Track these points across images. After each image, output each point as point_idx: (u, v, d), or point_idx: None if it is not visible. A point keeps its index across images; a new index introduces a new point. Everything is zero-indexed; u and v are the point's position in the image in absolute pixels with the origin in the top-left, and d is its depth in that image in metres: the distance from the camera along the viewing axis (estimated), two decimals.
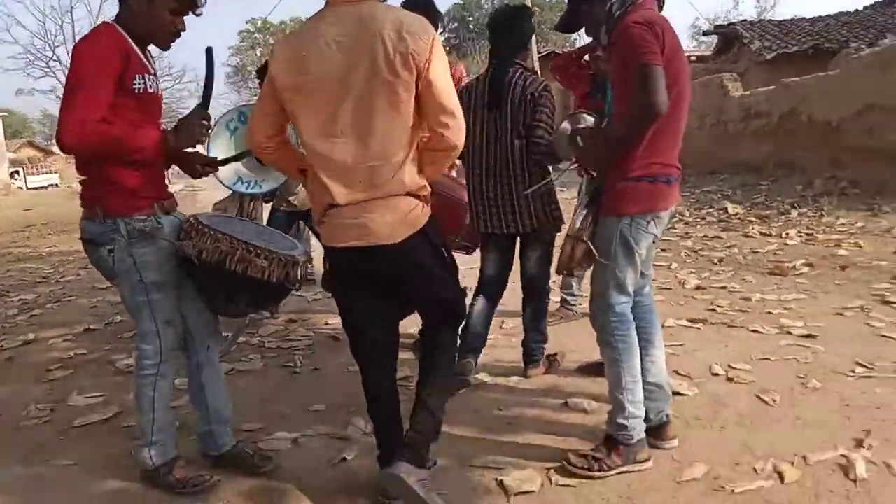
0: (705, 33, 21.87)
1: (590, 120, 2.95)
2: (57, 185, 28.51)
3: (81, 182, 2.26)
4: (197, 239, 2.18)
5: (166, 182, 2.37)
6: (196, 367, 2.45)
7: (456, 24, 50.37)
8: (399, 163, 1.97)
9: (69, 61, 2.14)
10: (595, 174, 2.54)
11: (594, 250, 2.33)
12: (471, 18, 50.63)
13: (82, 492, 2.44)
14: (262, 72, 4.43)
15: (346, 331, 2.31)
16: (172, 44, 2.27)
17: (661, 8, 2.39)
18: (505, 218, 3.09)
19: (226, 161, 2.63)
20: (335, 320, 4.51)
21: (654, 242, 2.42)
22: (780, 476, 2.21)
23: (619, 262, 2.30)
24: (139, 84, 2.14)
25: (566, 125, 2.97)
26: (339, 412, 3.00)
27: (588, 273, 2.56)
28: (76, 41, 2.22)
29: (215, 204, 4.43)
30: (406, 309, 2.40)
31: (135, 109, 2.16)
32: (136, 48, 2.15)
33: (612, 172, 2.31)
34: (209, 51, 2.37)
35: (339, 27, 1.92)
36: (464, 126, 2.03)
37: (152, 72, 2.24)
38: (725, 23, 19.85)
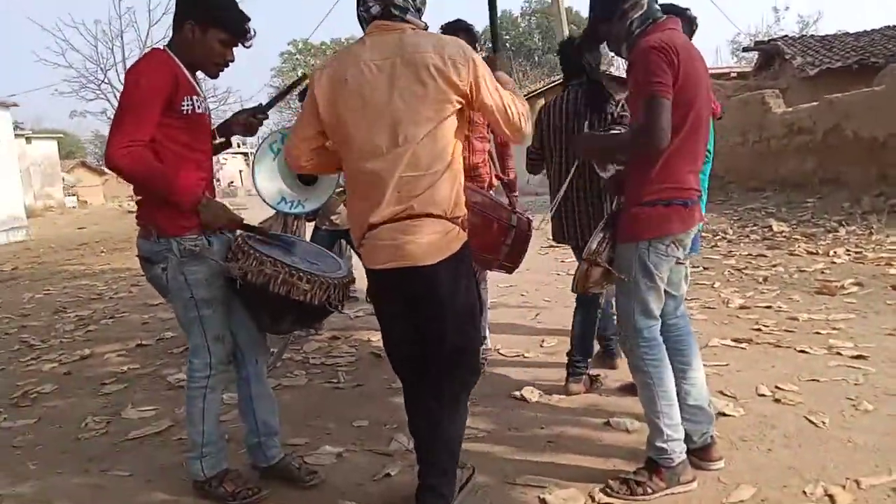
0: (745, 49, 21.56)
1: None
2: (75, 206, 29.47)
3: (137, 202, 2.37)
4: (243, 261, 2.27)
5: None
6: (245, 381, 2.54)
7: (491, 44, 50.71)
8: (436, 175, 2.02)
9: (122, 84, 2.27)
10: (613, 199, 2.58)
11: (615, 272, 2.34)
12: (507, 37, 50.91)
13: (137, 501, 2.54)
14: (304, 93, 4.58)
15: (386, 348, 2.35)
16: (220, 73, 2.38)
17: (692, 32, 2.39)
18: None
19: (249, 228, 2.57)
20: (377, 337, 4.56)
21: (680, 263, 2.41)
22: (832, 500, 2.17)
23: (641, 287, 2.30)
24: (187, 106, 2.25)
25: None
26: (382, 428, 3.05)
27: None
28: (129, 65, 2.35)
29: (260, 223, 4.55)
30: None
31: (183, 130, 2.27)
32: (185, 71, 2.27)
33: (626, 197, 2.34)
34: (303, 77, 2.59)
35: (381, 52, 2.00)
36: (520, 124, 2.13)
37: (201, 94, 2.35)
38: (766, 38, 19.55)
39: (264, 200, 3.61)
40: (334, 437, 2.98)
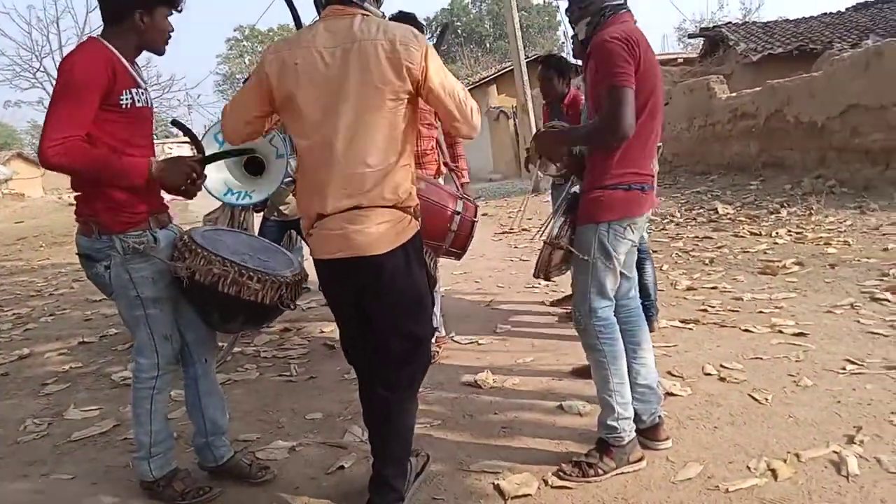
0: (691, 36, 22.01)
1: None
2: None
3: (76, 197, 2.25)
4: (190, 259, 2.18)
5: (161, 194, 2.36)
6: (193, 379, 2.46)
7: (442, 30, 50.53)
8: (387, 170, 1.98)
9: (56, 81, 2.13)
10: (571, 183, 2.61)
11: (575, 252, 2.38)
12: (458, 24, 50.76)
13: None
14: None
15: (340, 338, 2.32)
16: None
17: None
18: None
19: (213, 158, 2.50)
20: (330, 328, 4.53)
21: (634, 246, 2.47)
22: (774, 474, 2.24)
23: (599, 268, 2.35)
24: (126, 99, 2.13)
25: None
26: (336, 420, 3.02)
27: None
28: (64, 55, 2.22)
29: (206, 215, 4.44)
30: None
31: (122, 124, 2.15)
32: (124, 61, 2.15)
33: (586, 181, 2.38)
34: (175, 123, 2.43)
35: (332, 38, 1.95)
36: (471, 118, 2.08)
37: (142, 85, 2.24)
38: (711, 25, 20.01)
39: (210, 192, 3.52)
40: (287, 431, 2.94)
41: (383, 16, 2.06)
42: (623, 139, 2.20)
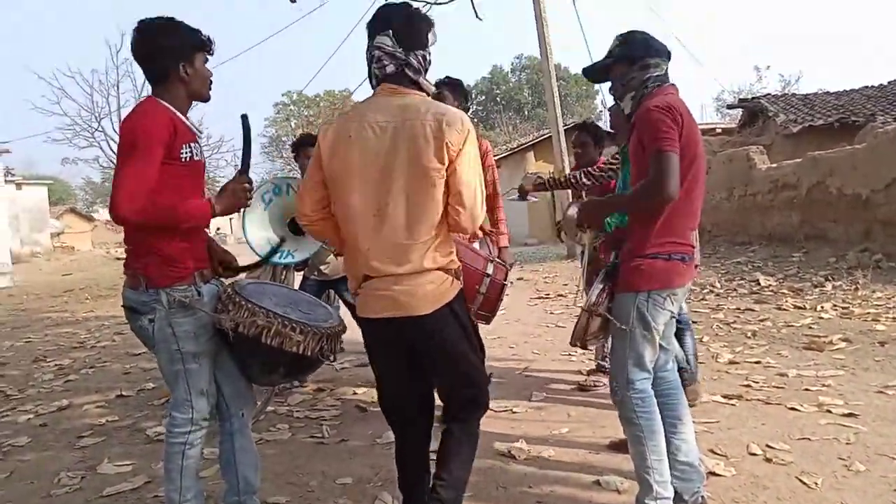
0: (730, 107, 22.14)
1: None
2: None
3: (126, 251, 2.33)
4: (234, 311, 2.23)
5: (205, 251, 2.43)
6: (229, 434, 2.47)
7: (483, 97, 51.78)
8: (429, 242, 2.06)
9: (119, 136, 2.24)
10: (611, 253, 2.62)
11: (614, 320, 2.35)
12: (497, 92, 52.02)
13: None
14: (297, 146, 4.62)
15: (379, 398, 2.35)
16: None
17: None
18: None
19: (248, 269, 2.68)
20: (363, 390, 4.51)
21: (673, 317, 2.43)
22: None
23: (637, 339, 2.32)
24: (186, 153, 2.24)
25: (572, 211, 3.10)
26: (367, 486, 2.96)
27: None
28: (124, 115, 2.33)
29: (248, 275, 4.52)
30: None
31: (182, 177, 2.25)
32: (181, 117, 2.27)
33: (627, 250, 2.37)
34: (244, 118, 2.49)
35: (384, 114, 2.04)
36: (478, 215, 2.12)
37: (199, 138, 2.35)
38: (749, 96, 20.11)
39: (253, 250, 3.61)
40: (317, 496, 2.90)
41: (437, 91, 2.15)
42: (668, 201, 2.20)
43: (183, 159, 2.23)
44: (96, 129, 30.49)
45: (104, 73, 41.05)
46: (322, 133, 2.14)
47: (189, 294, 2.26)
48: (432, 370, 2.22)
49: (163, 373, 2.41)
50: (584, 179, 4.05)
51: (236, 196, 2.35)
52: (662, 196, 2.19)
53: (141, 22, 2.27)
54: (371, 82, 2.15)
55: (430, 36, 2.12)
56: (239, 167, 2.47)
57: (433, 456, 2.28)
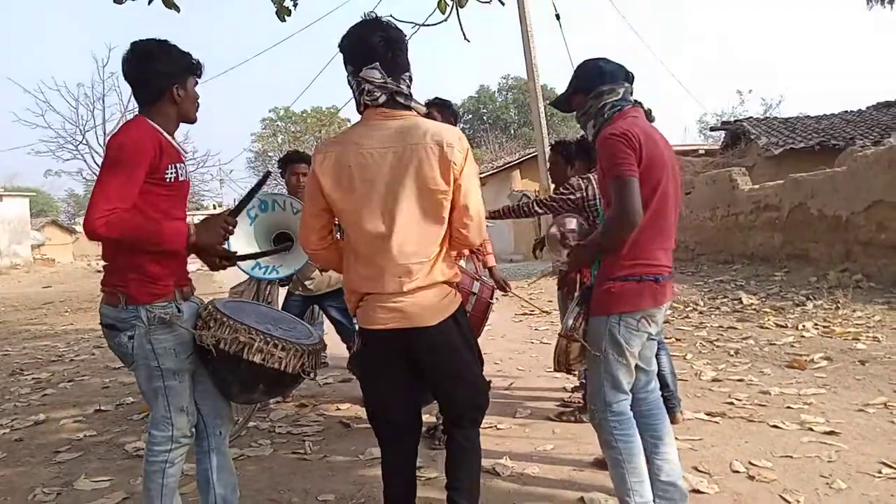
0: (713, 129, 22.48)
1: (573, 222, 3.12)
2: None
3: (105, 267, 2.30)
4: (216, 328, 2.21)
5: (186, 267, 2.42)
6: (206, 453, 2.43)
7: (470, 116, 52.09)
8: (434, 259, 2.11)
9: (104, 151, 2.22)
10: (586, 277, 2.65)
11: (587, 347, 2.36)
12: (484, 111, 52.37)
13: None
14: (285, 162, 4.61)
15: (371, 412, 2.33)
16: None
17: (650, 118, 2.50)
18: None
19: (244, 257, 2.70)
20: (346, 406, 4.48)
21: (652, 339, 2.44)
22: None
23: (611, 361, 2.32)
24: (171, 174, 2.22)
25: (554, 230, 3.12)
26: (349, 503, 2.93)
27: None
28: (113, 132, 2.33)
29: (232, 288, 4.49)
30: (426, 396, 2.41)
31: (165, 197, 2.23)
32: (168, 137, 2.25)
33: (599, 273, 2.38)
34: (267, 175, 2.58)
35: (380, 140, 2.06)
36: (483, 227, 2.21)
37: (184, 159, 2.34)
38: (732, 119, 20.43)
39: (239, 266, 3.58)
40: None
41: (426, 112, 2.17)
42: (632, 227, 2.21)
43: (168, 179, 2.21)
44: (80, 142, 30.28)
45: (90, 86, 40.91)
46: (318, 163, 2.12)
47: (169, 311, 2.23)
48: (435, 380, 2.23)
49: (142, 390, 2.36)
50: (537, 208, 4.09)
51: (216, 233, 2.30)
52: (627, 223, 2.21)
53: (135, 44, 2.27)
54: (358, 108, 2.15)
55: (407, 50, 2.12)
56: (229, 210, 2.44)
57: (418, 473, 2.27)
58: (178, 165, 2.26)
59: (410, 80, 2.13)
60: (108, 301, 2.26)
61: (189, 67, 2.31)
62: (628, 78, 2.43)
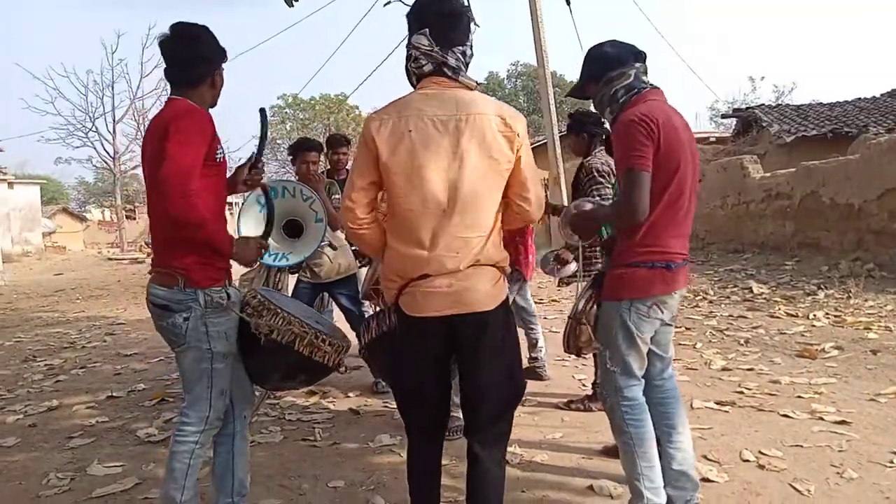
0: (724, 116, 22.26)
1: (588, 205, 3.09)
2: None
3: (160, 248, 2.31)
4: (269, 318, 2.29)
5: None
6: (230, 436, 2.46)
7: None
8: (489, 235, 2.04)
9: (162, 132, 2.16)
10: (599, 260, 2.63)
11: (592, 334, 2.35)
12: (493, 97, 52.19)
13: None
14: (295, 150, 4.60)
15: (406, 403, 2.22)
16: None
17: None
18: None
19: (261, 150, 2.61)
20: (355, 393, 4.50)
21: (668, 325, 2.42)
22: None
23: (622, 347, 2.31)
24: (220, 153, 2.30)
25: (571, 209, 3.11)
26: (359, 489, 2.95)
27: None
28: (159, 112, 2.30)
29: (242, 275, 4.49)
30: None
31: (216, 178, 2.31)
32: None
33: (612, 258, 2.37)
34: (262, 111, 2.53)
35: (442, 108, 1.98)
36: (542, 202, 2.14)
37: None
38: (744, 106, 20.25)
39: None
40: (308, 499, 2.88)
41: (478, 85, 2.10)
42: (635, 222, 2.20)
43: (217, 159, 2.28)
44: (90, 130, 30.43)
45: (99, 73, 40.97)
46: (374, 129, 2.00)
47: (223, 295, 2.28)
48: (473, 370, 2.07)
49: (184, 371, 2.35)
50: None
51: (253, 250, 2.42)
52: (631, 218, 2.20)
53: (180, 25, 2.30)
54: (410, 80, 2.10)
55: (470, 29, 2.07)
56: (254, 155, 2.53)
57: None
58: (220, 147, 2.32)
59: (464, 55, 2.05)
60: (162, 282, 2.26)
61: (224, 55, 2.37)
62: (638, 58, 2.38)
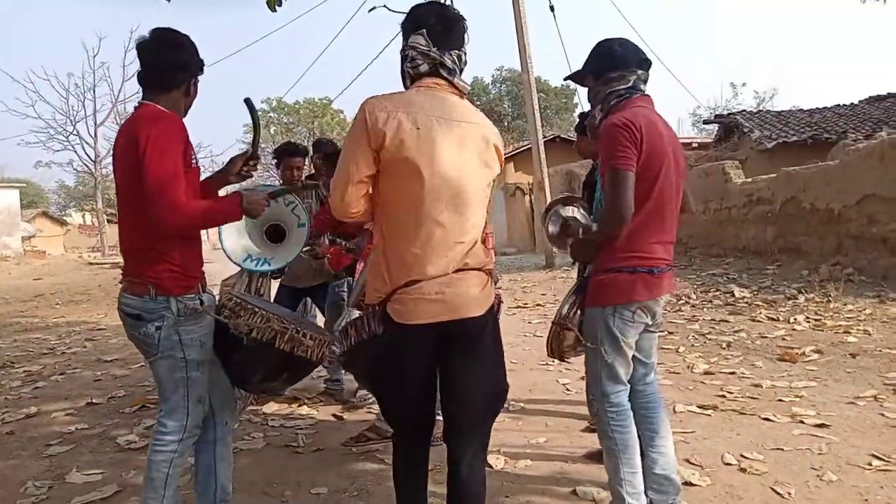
0: (706, 122, 22.50)
1: (569, 210, 3.10)
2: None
3: (130, 257, 2.27)
4: (247, 317, 2.27)
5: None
6: (211, 443, 2.43)
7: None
8: (477, 241, 2.05)
9: (138, 143, 2.12)
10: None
11: (580, 337, 2.36)
12: (478, 103, 52.28)
13: None
14: (280, 155, 4.58)
15: (392, 411, 2.18)
16: None
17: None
18: None
19: (256, 145, 2.63)
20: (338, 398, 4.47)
21: (651, 331, 2.43)
22: None
23: (607, 352, 2.32)
24: (194, 159, 2.30)
25: (552, 227, 3.13)
26: (342, 496, 2.93)
27: None
28: (134, 122, 2.22)
29: (224, 280, 4.45)
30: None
31: (191, 183, 2.29)
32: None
33: (595, 263, 2.39)
34: (248, 101, 2.53)
35: (442, 110, 1.98)
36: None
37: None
38: (726, 112, 20.48)
39: (229, 258, 3.56)
40: None
41: (469, 90, 2.12)
42: (623, 221, 2.21)
43: (194, 164, 2.29)
44: (71, 133, 30.09)
45: (80, 76, 40.56)
46: (380, 121, 1.90)
47: (196, 302, 2.26)
48: (464, 372, 2.04)
49: (159, 380, 2.32)
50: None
51: (260, 203, 2.40)
52: (619, 219, 2.21)
53: (162, 30, 2.29)
54: (405, 82, 2.09)
55: (465, 36, 2.08)
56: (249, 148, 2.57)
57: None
58: (193, 151, 2.32)
59: (459, 59, 2.05)
60: (133, 291, 2.24)
61: (201, 66, 2.37)
62: (642, 65, 2.38)
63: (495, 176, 2.09)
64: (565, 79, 2.75)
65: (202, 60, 2.37)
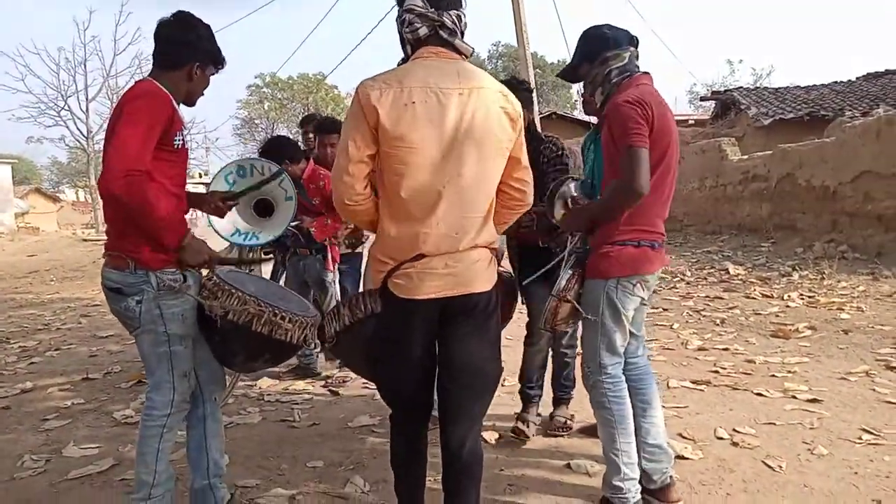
0: (703, 99, 22.39)
1: (572, 187, 3.05)
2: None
3: (111, 231, 2.27)
4: (224, 299, 2.24)
5: None
6: (201, 419, 2.44)
7: None
8: (486, 215, 1.99)
9: (119, 108, 2.13)
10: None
11: (580, 309, 2.37)
12: None
13: None
14: (317, 130, 4.52)
15: (392, 392, 2.12)
16: None
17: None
18: None
19: (244, 193, 2.68)
20: (334, 374, 4.48)
21: (644, 304, 2.47)
22: None
23: (607, 324, 2.35)
24: (178, 140, 2.24)
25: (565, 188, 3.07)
26: (338, 469, 2.95)
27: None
28: (126, 88, 2.25)
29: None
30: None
31: (172, 164, 2.24)
32: (175, 107, 2.25)
33: (598, 236, 2.38)
34: (280, 172, 2.69)
35: (443, 80, 1.89)
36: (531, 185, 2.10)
37: (184, 129, 2.34)
38: (722, 89, 20.37)
39: (217, 232, 3.54)
40: (287, 479, 2.88)
41: (473, 52, 2.02)
42: (639, 197, 2.22)
43: (175, 146, 2.23)
44: (62, 108, 29.74)
45: (71, 50, 39.98)
46: (374, 99, 1.85)
47: (177, 278, 2.24)
48: (464, 348, 2.00)
49: (143, 355, 2.33)
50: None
51: (201, 255, 2.26)
52: (635, 193, 2.21)
53: (183, 12, 2.30)
54: (404, 49, 2.02)
55: None
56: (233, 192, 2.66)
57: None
58: (181, 133, 2.27)
59: (459, 20, 1.97)
60: (114, 265, 2.23)
61: (215, 58, 2.35)
62: (633, 42, 2.42)
63: (511, 141, 1.96)
64: (557, 76, 2.73)
65: (217, 52, 2.33)
